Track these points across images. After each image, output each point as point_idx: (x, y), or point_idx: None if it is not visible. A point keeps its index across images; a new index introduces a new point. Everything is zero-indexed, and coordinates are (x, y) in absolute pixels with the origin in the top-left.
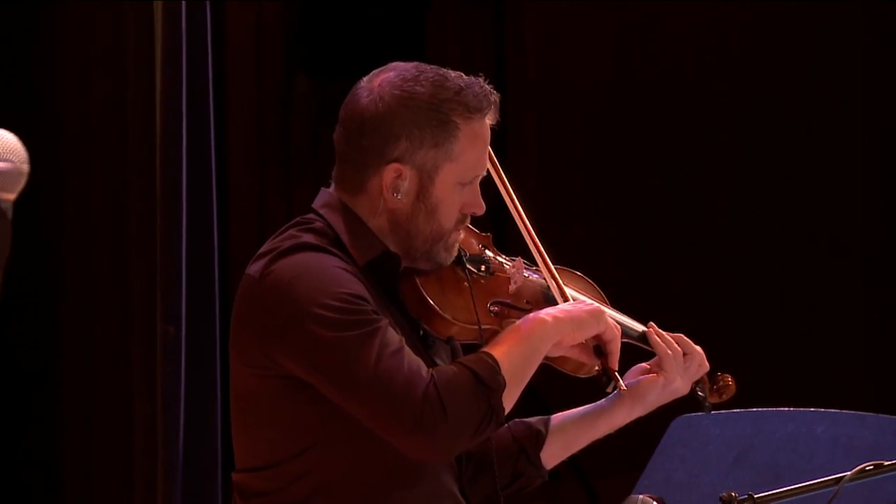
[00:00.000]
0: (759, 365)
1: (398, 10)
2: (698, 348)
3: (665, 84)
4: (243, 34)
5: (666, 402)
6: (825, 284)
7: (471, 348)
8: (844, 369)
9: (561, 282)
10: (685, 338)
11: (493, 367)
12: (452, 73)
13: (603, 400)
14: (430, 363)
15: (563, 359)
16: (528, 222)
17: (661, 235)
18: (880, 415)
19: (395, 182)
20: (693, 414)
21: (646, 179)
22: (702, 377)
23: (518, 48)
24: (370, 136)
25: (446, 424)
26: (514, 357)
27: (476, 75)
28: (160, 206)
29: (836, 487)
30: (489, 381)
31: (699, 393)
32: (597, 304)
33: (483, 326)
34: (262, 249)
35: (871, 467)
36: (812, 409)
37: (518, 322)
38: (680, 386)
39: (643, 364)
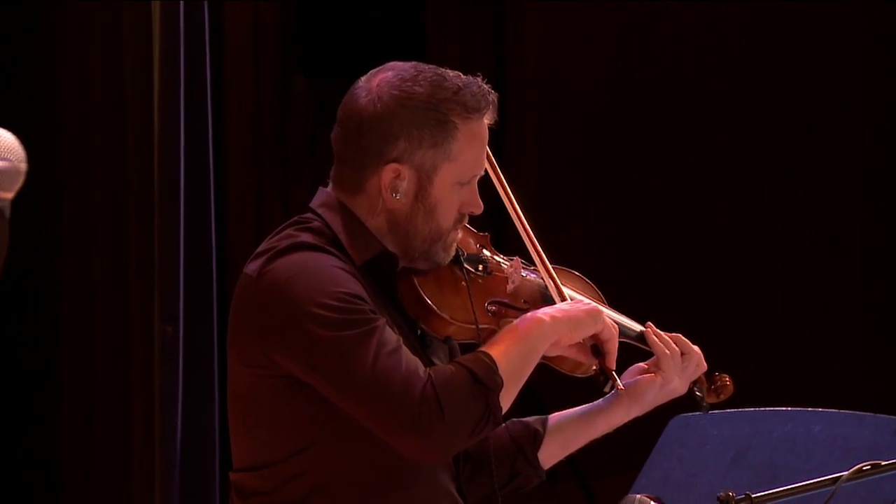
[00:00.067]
0: (758, 365)
1: (396, 10)
2: (696, 348)
3: (665, 84)
4: (241, 34)
5: (663, 402)
6: (825, 284)
7: (469, 348)
8: (844, 369)
9: (559, 281)
10: (683, 338)
11: (491, 366)
12: (451, 73)
13: (601, 400)
14: (428, 363)
15: (560, 358)
16: (525, 222)
17: (660, 235)
18: (878, 415)
19: (393, 182)
20: (691, 414)
21: (646, 179)
22: (699, 377)
23: (518, 48)
24: (368, 136)
25: (443, 424)
26: (512, 356)
27: (475, 75)
28: (158, 205)
29: (834, 487)
30: (487, 380)
31: (697, 393)
32: (594, 304)
33: (481, 326)
34: (260, 249)
35: (869, 467)
36: (810, 409)
37: (516, 321)
38: (678, 386)
39: (641, 364)
